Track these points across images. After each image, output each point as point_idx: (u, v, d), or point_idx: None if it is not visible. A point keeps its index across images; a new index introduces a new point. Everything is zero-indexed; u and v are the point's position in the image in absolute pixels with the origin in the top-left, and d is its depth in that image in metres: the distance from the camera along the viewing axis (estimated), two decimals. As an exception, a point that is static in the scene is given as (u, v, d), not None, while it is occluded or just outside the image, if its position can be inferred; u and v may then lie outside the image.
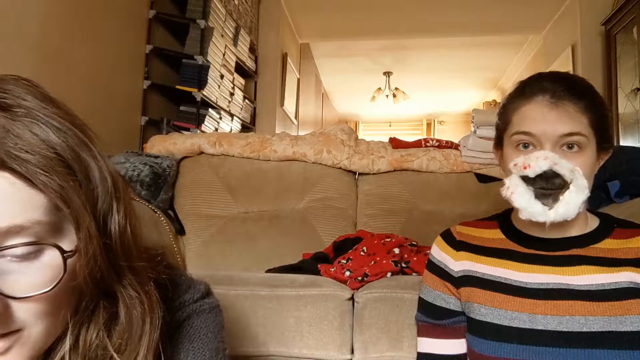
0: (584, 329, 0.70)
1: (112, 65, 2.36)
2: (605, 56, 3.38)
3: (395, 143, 1.91)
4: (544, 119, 0.73)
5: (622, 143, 3.12)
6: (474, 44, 5.01)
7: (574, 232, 0.78)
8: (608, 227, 0.79)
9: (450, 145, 1.89)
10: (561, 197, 0.71)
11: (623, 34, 3.14)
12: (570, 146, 0.72)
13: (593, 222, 0.80)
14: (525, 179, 0.73)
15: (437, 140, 1.91)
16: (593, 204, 1.41)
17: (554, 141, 0.72)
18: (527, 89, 0.78)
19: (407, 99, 6.25)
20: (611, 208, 1.36)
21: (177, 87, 2.73)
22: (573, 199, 0.70)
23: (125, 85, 2.51)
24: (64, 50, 1.99)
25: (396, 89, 6.14)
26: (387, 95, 6.12)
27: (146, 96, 2.66)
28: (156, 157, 1.70)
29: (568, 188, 0.71)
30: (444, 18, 4.33)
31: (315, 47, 5.32)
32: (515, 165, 0.74)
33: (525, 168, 0.72)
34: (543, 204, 0.71)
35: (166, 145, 1.85)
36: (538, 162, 0.71)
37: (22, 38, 1.76)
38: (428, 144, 1.88)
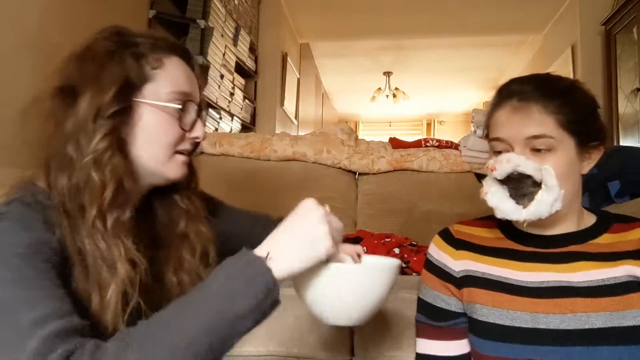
0: (586, 326, 0.70)
1: (112, 65, 2.36)
2: (605, 56, 3.38)
3: (395, 143, 1.91)
4: (510, 123, 0.75)
5: (622, 143, 3.12)
6: (473, 44, 5.01)
7: (568, 228, 0.78)
8: (606, 222, 0.79)
9: (450, 145, 1.89)
10: (536, 197, 0.72)
11: (623, 34, 3.14)
12: (539, 149, 0.73)
13: (590, 219, 0.80)
14: (502, 180, 0.75)
15: (437, 140, 1.91)
16: (593, 204, 1.41)
17: (522, 144, 0.73)
18: (498, 95, 0.80)
19: (407, 99, 6.25)
20: (611, 208, 1.36)
21: (177, 87, 2.73)
22: (544, 198, 0.71)
23: (125, 85, 2.51)
24: (64, 50, 1.99)
25: (396, 89, 6.15)
26: (387, 95, 6.12)
27: (146, 96, 2.66)
28: (156, 157, 1.70)
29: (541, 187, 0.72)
30: (443, 18, 4.33)
31: (315, 47, 5.32)
32: (487, 167, 0.77)
33: (492, 170, 0.74)
34: (518, 203, 0.73)
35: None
36: (502, 164, 0.73)
37: (21, 38, 1.75)
38: (428, 144, 1.89)
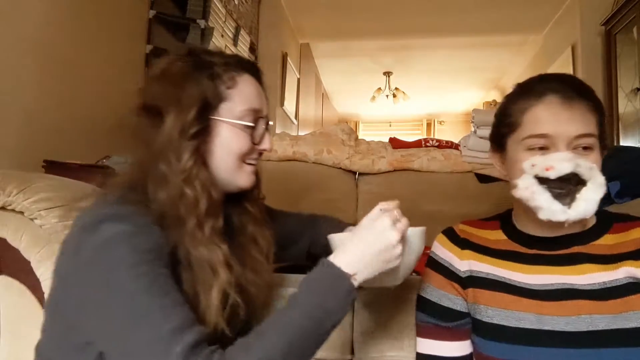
0: (590, 328, 0.69)
1: (112, 65, 2.35)
2: (605, 56, 3.38)
3: (395, 143, 1.91)
4: (557, 119, 0.73)
5: (622, 143, 3.12)
6: (474, 44, 5.00)
7: (571, 229, 0.77)
8: (607, 222, 0.79)
9: (451, 145, 1.89)
10: (578, 196, 0.70)
11: (623, 34, 3.14)
12: (584, 147, 0.72)
13: (590, 219, 0.80)
14: (541, 179, 0.72)
15: (437, 140, 1.91)
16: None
17: (568, 142, 0.72)
18: (534, 90, 0.77)
19: (407, 99, 6.24)
20: (611, 209, 1.36)
21: (177, 87, 2.72)
22: (591, 196, 0.70)
23: (126, 85, 2.51)
24: (64, 50, 1.99)
25: (396, 89, 6.14)
26: (387, 95, 6.12)
27: (146, 96, 2.66)
28: (156, 157, 1.69)
29: (585, 186, 0.70)
30: (444, 18, 4.33)
31: (315, 47, 5.31)
32: (533, 165, 0.73)
33: (547, 170, 0.71)
34: (562, 204, 0.71)
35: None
36: (562, 164, 0.70)
37: (21, 39, 1.75)
38: (428, 144, 1.88)
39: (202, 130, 0.71)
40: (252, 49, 3.76)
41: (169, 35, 2.95)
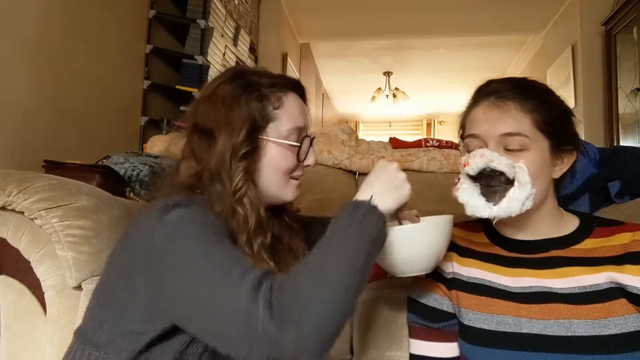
0: (569, 333, 0.69)
1: (112, 65, 2.36)
2: (605, 56, 3.38)
3: (395, 143, 1.91)
4: (486, 118, 0.74)
5: (622, 143, 3.12)
6: (474, 44, 5.00)
7: (549, 233, 0.77)
8: (588, 227, 0.77)
9: (450, 145, 1.89)
10: (507, 194, 0.71)
11: (623, 34, 3.14)
12: (512, 148, 0.72)
13: (573, 223, 0.79)
14: (474, 177, 0.74)
15: (437, 140, 1.91)
16: (594, 204, 1.41)
17: (496, 140, 0.73)
18: (476, 94, 0.80)
19: (407, 99, 6.25)
20: (611, 208, 1.36)
21: (177, 87, 2.73)
22: (515, 195, 0.70)
23: (125, 85, 2.51)
24: (64, 50, 1.99)
25: (396, 89, 6.14)
26: (387, 95, 6.12)
27: (146, 96, 2.66)
28: (156, 157, 1.70)
29: (513, 185, 0.71)
30: (444, 18, 4.33)
31: (315, 47, 5.31)
32: (459, 163, 0.76)
33: (464, 165, 0.73)
34: (489, 200, 0.72)
35: (166, 145, 1.85)
36: (475, 159, 0.72)
37: (21, 38, 1.76)
38: (428, 144, 1.88)
39: (251, 151, 0.75)
40: (252, 49, 3.77)
41: (169, 35, 2.95)
